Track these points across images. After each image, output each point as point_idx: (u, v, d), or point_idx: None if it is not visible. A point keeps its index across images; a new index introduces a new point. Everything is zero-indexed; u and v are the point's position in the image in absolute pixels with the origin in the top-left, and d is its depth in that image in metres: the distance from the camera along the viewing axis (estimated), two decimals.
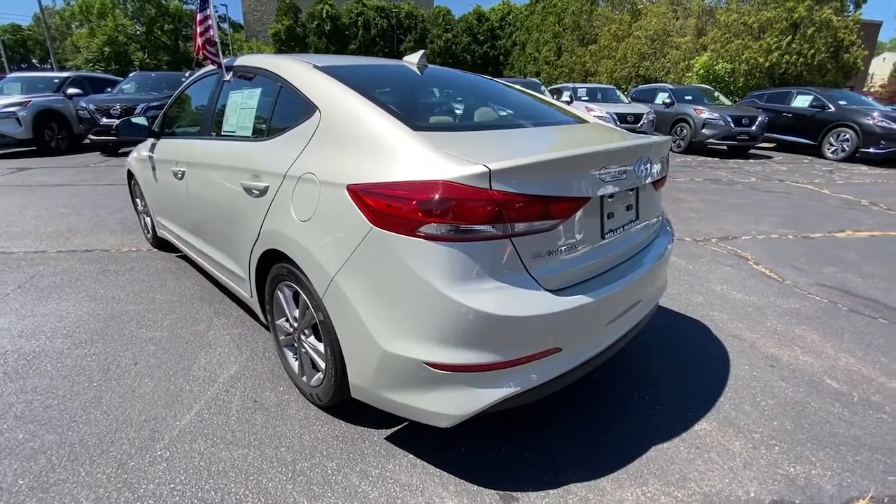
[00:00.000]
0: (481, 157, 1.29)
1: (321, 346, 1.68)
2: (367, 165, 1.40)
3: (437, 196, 1.21)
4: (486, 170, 1.21)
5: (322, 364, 1.70)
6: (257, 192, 1.80)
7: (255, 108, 2.03)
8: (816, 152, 10.55)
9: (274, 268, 1.84)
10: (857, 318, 2.69)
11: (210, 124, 2.37)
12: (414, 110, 1.81)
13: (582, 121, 2.11)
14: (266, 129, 1.93)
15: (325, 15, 34.99)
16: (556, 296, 1.35)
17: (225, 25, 41.05)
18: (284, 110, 1.88)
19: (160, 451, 1.60)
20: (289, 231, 1.60)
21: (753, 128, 10.03)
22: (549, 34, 29.52)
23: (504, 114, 2.12)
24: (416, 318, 1.29)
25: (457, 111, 2.12)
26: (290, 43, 35.55)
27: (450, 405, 1.34)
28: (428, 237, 1.24)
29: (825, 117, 10.50)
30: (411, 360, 1.32)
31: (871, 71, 35.39)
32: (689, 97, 11.55)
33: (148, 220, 3.57)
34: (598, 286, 1.46)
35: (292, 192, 1.61)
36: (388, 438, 1.69)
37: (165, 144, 2.86)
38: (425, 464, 1.58)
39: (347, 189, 1.39)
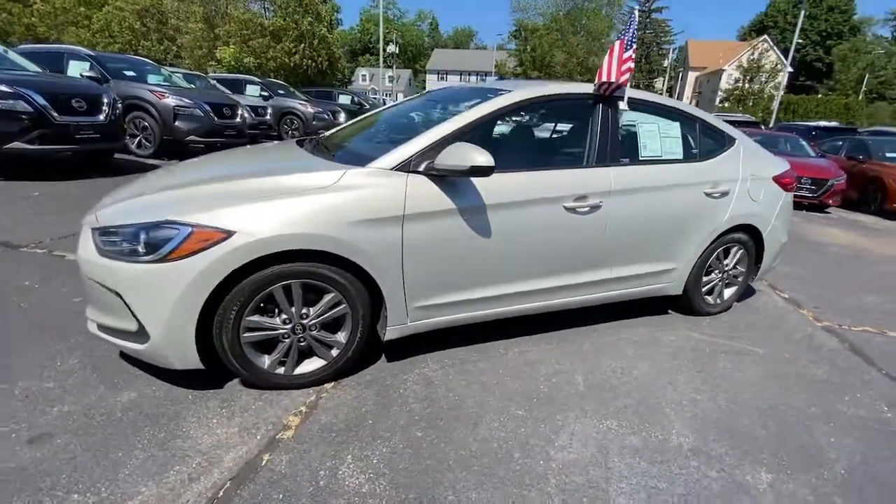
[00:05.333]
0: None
1: (742, 268, 3.08)
2: (770, 166, 3.04)
3: (794, 175, 3.20)
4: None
5: (741, 279, 3.11)
6: (719, 195, 2.73)
7: (680, 138, 2.64)
8: None
9: (720, 240, 2.86)
10: None
11: (608, 150, 2.40)
12: None
13: None
14: (698, 152, 2.72)
15: None
16: None
17: None
18: (708, 139, 2.79)
19: None
20: (754, 209, 2.86)
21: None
22: None
23: None
24: (790, 221, 3.25)
25: None
26: None
27: None
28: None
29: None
30: (786, 242, 3.27)
31: None
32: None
33: (327, 332, 1.98)
34: None
35: (748, 188, 2.85)
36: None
37: (523, 179, 2.14)
38: None
39: (773, 178, 3.00)
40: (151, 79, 7.57)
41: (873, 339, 2.93)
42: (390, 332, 2.08)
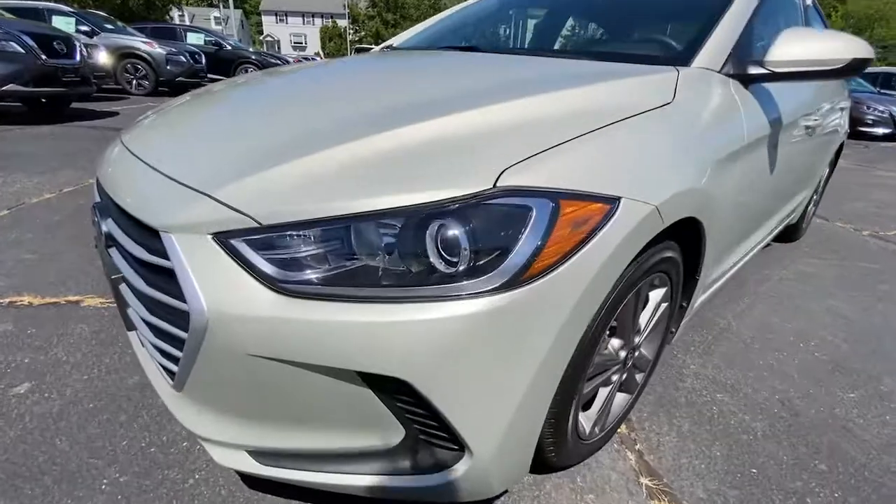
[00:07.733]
0: None
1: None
2: None
3: None
4: None
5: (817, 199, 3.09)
6: (842, 110, 2.55)
7: None
8: None
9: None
10: None
11: None
12: None
13: None
14: None
15: None
16: None
17: None
18: None
19: None
20: (847, 127, 2.78)
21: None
22: None
23: None
24: None
25: None
26: None
27: None
28: None
29: (228, 56, 12.02)
30: None
31: None
32: None
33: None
34: None
35: (847, 103, 2.74)
36: None
37: (782, 90, 1.52)
38: None
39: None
40: None
41: None
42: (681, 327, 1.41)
